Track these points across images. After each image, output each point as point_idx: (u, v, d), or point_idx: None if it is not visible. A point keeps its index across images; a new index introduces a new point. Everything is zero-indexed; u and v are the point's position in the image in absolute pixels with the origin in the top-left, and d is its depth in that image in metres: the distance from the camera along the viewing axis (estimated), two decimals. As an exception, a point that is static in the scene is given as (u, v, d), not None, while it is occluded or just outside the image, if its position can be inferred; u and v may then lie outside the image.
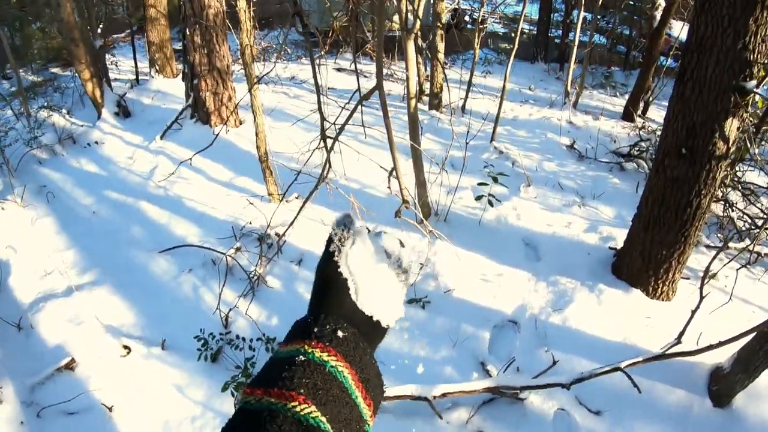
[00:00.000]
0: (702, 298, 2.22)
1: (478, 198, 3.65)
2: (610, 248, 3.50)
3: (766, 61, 2.42)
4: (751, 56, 2.40)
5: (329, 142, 2.61)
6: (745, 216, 3.87)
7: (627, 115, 6.59)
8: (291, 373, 0.39)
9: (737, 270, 2.88)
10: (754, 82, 2.39)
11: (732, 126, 2.52)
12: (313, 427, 0.36)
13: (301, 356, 0.40)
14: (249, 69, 3.69)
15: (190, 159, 3.94)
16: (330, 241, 0.47)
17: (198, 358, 2.48)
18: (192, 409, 2.35)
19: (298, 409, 0.36)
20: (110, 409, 2.38)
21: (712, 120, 2.51)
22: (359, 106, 2.42)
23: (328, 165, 2.71)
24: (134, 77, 6.99)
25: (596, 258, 3.47)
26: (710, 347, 2.09)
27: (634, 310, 2.98)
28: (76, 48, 5.27)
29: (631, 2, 9.64)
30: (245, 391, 0.39)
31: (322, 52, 9.57)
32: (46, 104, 5.82)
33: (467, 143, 3.97)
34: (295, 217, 3.16)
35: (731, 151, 2.62)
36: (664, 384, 2.46)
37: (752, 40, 2.37)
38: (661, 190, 2.85)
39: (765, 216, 3.76)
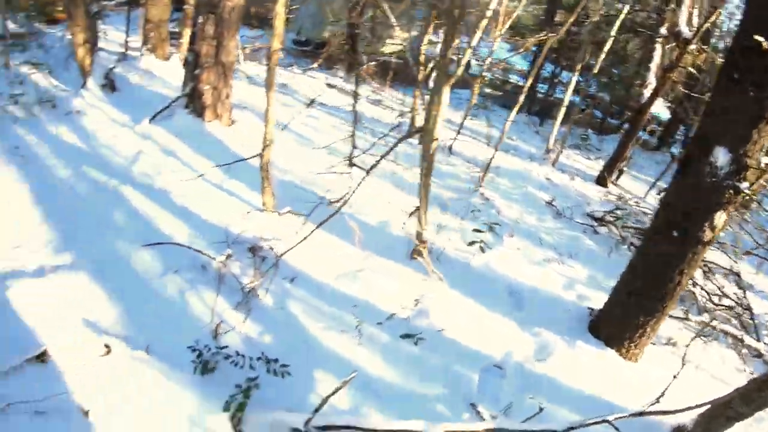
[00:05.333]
0: (683, 365, 2.49)
1: (471, 243, 3.81)
2: (588, 308, 3.74)
3: (760, 164, 2.66)
4: (745, 160, 2.63)
5: (357, 172, 2.64)
6: (704, 291, 4.29)
7: (601, 180, 7.08)
8: None
9: (691, 339, 3.24)
10: (746, 184, 2.68)
11: (721, 218, 2.82)
12: None
13: None
14: (271, 75, 3.63)
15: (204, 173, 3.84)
16: None
17: (194, 371, 2.36)
18: (180, 423, 2.22)
19: None
20: (86, 413, 2.20)
21: (706, 211, 2.81)
22: (399, 143, 2.47)
23: (349, 194, 2.73)
24: (122, 50, 6.62)
25: (575, 315, 3.69)
26: (688, 409, 2.30)
27: (607, 369, 3.21)
28: (75, 8, 4.94)
29: (616, 72, 10.36)
30: None
31: (315, 65, 9.50)
32: (29, 60, 5.35)
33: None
34: (301, 240, 3.14)
35: (714, 238, 2.92)
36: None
37: (752, 148, 2.59)
38: (650, 262, 3.14)
39: (720, 294, 4.20)
